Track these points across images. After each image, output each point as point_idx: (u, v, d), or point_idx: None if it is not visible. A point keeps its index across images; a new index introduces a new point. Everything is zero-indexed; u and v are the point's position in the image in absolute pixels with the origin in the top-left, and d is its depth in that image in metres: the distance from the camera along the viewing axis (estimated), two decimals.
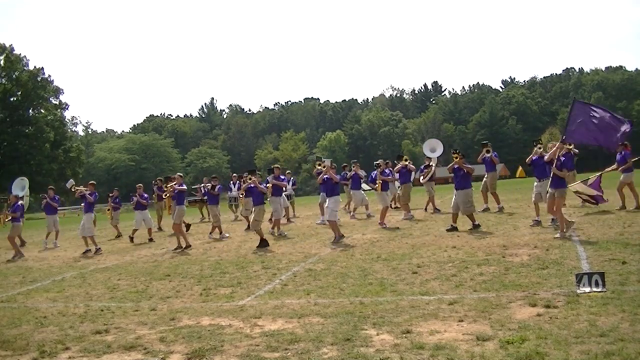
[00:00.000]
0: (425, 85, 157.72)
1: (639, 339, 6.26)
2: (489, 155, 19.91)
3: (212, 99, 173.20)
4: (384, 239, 16.05)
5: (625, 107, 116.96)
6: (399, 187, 22.35)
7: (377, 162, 20.80)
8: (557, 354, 5.99)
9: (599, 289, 8.33)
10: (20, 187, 23.81)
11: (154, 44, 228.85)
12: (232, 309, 9.39)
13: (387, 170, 21.02)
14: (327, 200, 17.31)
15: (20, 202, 21.33)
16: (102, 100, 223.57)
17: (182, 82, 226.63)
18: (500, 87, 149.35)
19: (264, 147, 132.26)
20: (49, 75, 79.21)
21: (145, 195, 22.47)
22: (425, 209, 22.92)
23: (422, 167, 22.82)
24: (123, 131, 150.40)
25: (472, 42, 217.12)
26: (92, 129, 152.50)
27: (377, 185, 20.12)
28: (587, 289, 8.39)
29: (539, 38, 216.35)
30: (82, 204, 21.71)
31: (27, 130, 74.71)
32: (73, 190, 20.48)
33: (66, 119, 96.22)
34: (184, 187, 18.75)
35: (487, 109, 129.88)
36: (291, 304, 9.44)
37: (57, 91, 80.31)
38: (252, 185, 17.33)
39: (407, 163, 21.36)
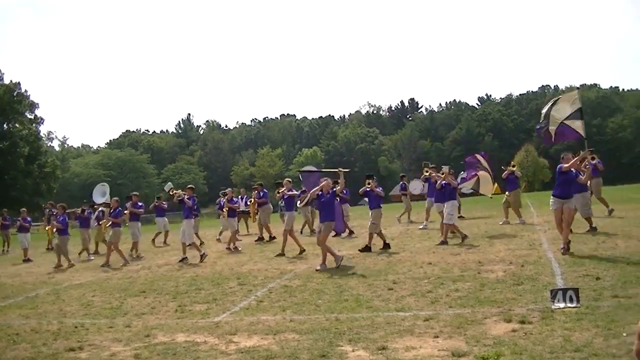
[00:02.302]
0: (402, 102, 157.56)
1: (613, 353, 6.31)
2: (594, 162, 20.04)
3: (189, 114, 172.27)
4: (360, 255, 16.05)
5: (600, 124, 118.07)
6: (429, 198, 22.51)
7: (224, 191, 22.28)
8: None
9: (574, 305, 8.37)
10: (101, 193, 23.64)
11: (129, 60, 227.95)
12: (208, 326, 9.34)
13: (234, 199, 22.08)
14: (445, 204, 17.50)
15: (101, 208, 21.39)
16: (78, 115, 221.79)
17: (159, 98, 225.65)
18: (477, 104, 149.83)
19: (241, 164, 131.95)
20: (25, 90, 78.71)
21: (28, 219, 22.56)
22: (301, 232, 23.05)
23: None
24: (99, 146, 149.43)
25: (448, 59, 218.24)
26: (68, 144, 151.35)
27: (223, 212, 21.20)
28: (562, 305, 8.43)
29: (514, 56, 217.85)
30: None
31: (1, 145, 74.02)
32: (171, 193, 19.51)
33: (42, 134, 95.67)
34: (294, 192, 18.79)
35: (464, 125, 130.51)
36: (267, 320, 9.40)
37: (33, 105, 79.76)
38: (368, 189, 17.54)
39: (514, 169, 21.67)
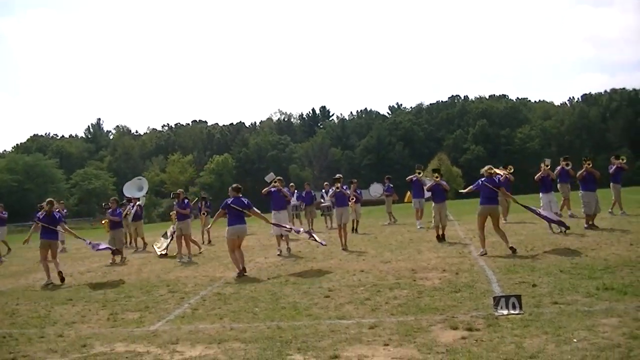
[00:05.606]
0: (313, 110, 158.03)
1: (568, 359, 6.37)
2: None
3: (99, 119, 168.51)
4: (288, 262, 15.93)
5: (509, 134, 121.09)
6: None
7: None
8: None
9: (517, 312, 8.46)
10: (138, 188, 22.62)
11: (38, 61, 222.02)
12: (145, 335, 9.05)
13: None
14: (542, 195, 19.07)
15: (138, 203, 21.55)
16: None
17: (68, 102, 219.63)
18: (388, 112, 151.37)
19: (151, 170, 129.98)
20: None
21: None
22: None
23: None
24: (5, 150, 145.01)
25: (359, 67, 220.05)
26: None
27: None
28: (505, 312, 8.51)
29: (425, 65, 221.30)
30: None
31: None
32: (274, 183, 18.35)
33: None
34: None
35: (375, 134, 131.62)
36: (206, 328, 9.18)
37: None
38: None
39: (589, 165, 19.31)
